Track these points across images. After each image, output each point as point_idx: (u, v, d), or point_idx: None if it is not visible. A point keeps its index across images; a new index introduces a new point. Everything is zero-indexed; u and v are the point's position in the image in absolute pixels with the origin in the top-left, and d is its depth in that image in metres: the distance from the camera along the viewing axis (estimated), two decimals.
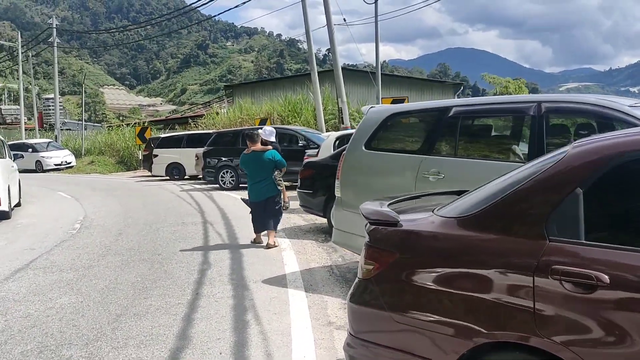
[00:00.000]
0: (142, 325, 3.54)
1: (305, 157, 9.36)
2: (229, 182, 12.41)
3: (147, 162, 16.73)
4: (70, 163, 23.07)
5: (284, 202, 5.98)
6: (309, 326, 3.41)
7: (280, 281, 4.52)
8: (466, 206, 2.04)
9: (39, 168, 22.42)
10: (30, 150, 22.94)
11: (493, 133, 4.04)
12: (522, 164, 3.49)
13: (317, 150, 9.54)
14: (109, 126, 32.29)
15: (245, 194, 6.42)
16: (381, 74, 16.39)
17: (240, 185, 11.73)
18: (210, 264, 5.25)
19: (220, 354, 3.06)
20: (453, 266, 1.92)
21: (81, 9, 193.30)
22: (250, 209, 6.05)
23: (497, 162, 3.62)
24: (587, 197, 1.73)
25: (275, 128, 12.99)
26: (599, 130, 3.53)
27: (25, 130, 32.17)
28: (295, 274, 4.75)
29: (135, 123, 26.42)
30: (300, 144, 11.85)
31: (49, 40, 26.53)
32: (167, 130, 24.75)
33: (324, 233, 6.69)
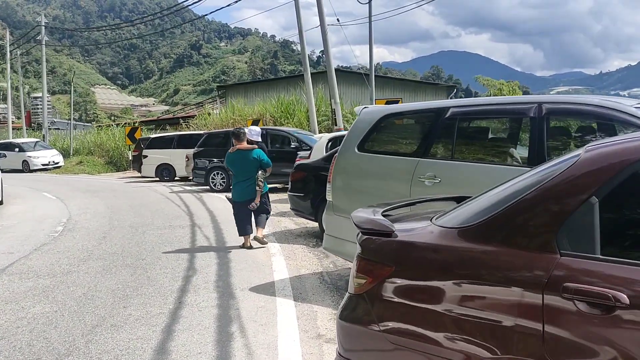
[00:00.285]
0: (119, 337, 3.31)
1: (297, 158, 9.17)
2: (220, 183, 12.17)
3: (137, 162, 16.45)
4: (57, 163, 22.67)
5: (254, 203, 5.78)
6: (297, 339, 3.21)
7: (268, 289, 4.32)
8: (468, 215, 1.86)
9: (25, 168, 21.99)
10: (17, 149, 22.50)
11: (492, 135, 3.87)
12: (525, 169, 3.35)
13: (309, 151, 9.36)
14: (98, 126, 31.80)
15: None
16: (375, 75, 16.27)
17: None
18: (196, 269, 5.03)
19: None
20: (453, 282, 1.73)
21: (73, 7, 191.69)
22: (233, 210, 5.98)
23: (497, 166, 3.45)
24: (603, 206, 1.55)
25: (267, 129, 12.89)
26: (601, 132, 3.38)
27: (13, 129, 31.62)
28: (285, 281, 4.55)
29: (125, 123, 26.01)
30: (292, 146, 11.66)
31: (38, 38, 26.08)
32: (159, 130, 24.41)
33: (316, 237, 6.49)
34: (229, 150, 5.94)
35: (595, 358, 1.46)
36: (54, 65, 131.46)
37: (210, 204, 9.87)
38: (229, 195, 6.34)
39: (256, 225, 5.89)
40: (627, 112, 2.99)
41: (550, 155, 3.25)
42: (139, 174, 16.38)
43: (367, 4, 14.00)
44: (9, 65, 28.42)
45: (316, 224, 6.61)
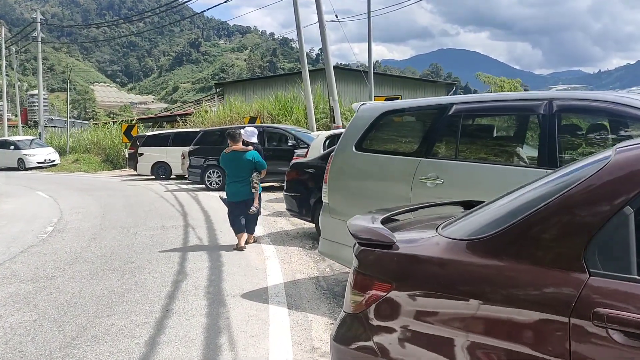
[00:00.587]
0: (99, 350, 3.09)
1: (294, 157, 8.94)
2: (216, 182, 11.94)
3: (133, 160, 16.20)
4: (53, 161, 22.41)
5: (254, 206, 5.74)
6: (290, 352, 2.99)
7: (261, 295, 4.10)
8: (478, 225, 1.64)
9: (21, 166, 21.73)
10: (12, 147, 22.24)
11: (498, 134, 3.65)
12: (535, 170, 3.13)
13: (306, 150, 9.13)
14: (95, 123, 31.53)
15: None
16: (374, 73, 16.02)
17: (225, 186, 11.27)
18: (186, 274, 4.80)
19: None
20: (462, 302, 1.51)
21: (72, 5, 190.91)
22: (227, 209, 5.90)
23: (504, 167, 3.23)
24: (639, 218, 1.33)
25: (264, 127, 12.66)
26: (615, 131, 3.16)
27: (9, 127, 31.33)
28: (279, 286, 4.33)
29: (122, 120, 25.75)
30: (289, 144, 11.43)
31: (34, 34, 25.76)
32: (156, 128, 24.16)
33: (312, 239, 6.27)
34: (224, 151, 5.92)
35: None
36: (52, 63, 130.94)
37: (205, 204, 9.64)
38: (223, 195, 6.27)
39: (247, 234, 5.86)
40: None
41: (562, 155, 3.03)
42: (135, 172, 16.16)
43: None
44: (4, 62, 28.10)
45: (313, 225, 6.39)
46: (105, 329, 3.43)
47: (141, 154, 15.34)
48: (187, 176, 13.02)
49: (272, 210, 8.74)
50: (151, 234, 6.86)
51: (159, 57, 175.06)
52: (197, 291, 4.23)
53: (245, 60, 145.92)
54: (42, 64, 28.31)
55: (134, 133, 19.08)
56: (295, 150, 9.93)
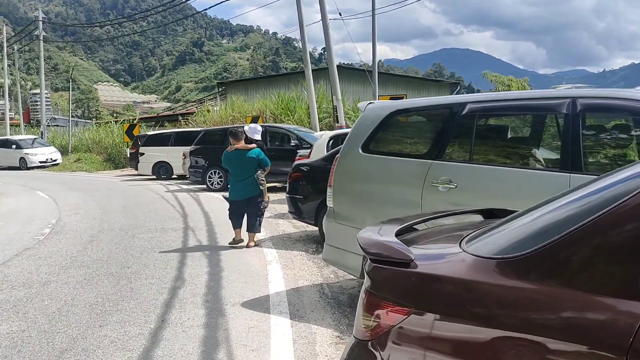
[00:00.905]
0: None
1: (297, 157, 8.74)
2: (217, 182, 11.75)
3: (134, 160, 16.04)
4: (55, 160, 22.30)
5: (265, 201, 5.75)
6: None
7: (262, 304, 3.90)
8: (509, 241, 1.43)
9: (22, 165, 21.63)
10: (14, 146, 22.15)
11: (516, 135, 3.43)
12: (557, 174, 2.92)
13: (309, 150, 8.93)
14: (97, 123, 31.42)
15: None
16: (377, 72, 15.80)
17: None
18: (184, 280, 4.61)
19: None
20: (494, 332, 1.30)
21: (75, 4, 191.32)
22: (228, 208, 5.88)
23: (523, 170, 3.01)
24: None
25: (266, 126, 12.45)
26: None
27: (11, 126, 31.26)
28: (281, 294, 4.12)
29: (123, 120, 25.61)
30: (292, 143, 11.23)
31: (35, 33, 25.65)
32: (158, 127, 24.00)
33: (316, 243, 6.06)
34: (227, 149, 5.90)
35: None
36: (56, 62, 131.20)
37: (206, 205, 9.45)
38: (226, 194, 6.16)
39: (248, 232, 5.78)
40: None
41: (586, 157, 2.81)
42: (136, 172, 16.00)
43: None
44: (5, 61, 28.02)
45: (316, 228, 6.19)
46: (97, 341, 3.24)
47: (142, 154, 15.18)
48: (187, 176, 12.84)
49: (274, 212, 8.53)
50: (150, 236, 6.67)
51: (162, 57, 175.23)
52: (195, 299, 4.03)
53: (248, 60, 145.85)
54: (46, 63, 28.23)
55: (135, 132, 18.93)
56: (298, 151, 9.74)
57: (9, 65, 33.48)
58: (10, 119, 32.78)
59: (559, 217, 1.36)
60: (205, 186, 11.90)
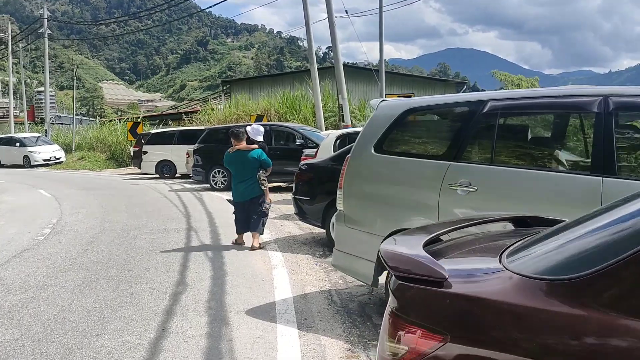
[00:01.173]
0: None
1: (302, 157, 8.55)
2: (221, 182, 11.57)
3: (137, 159, 15.91)
4: (59, 159, 22.21)
5: (267, 202, 5.65)
6: None
7: (268, 312, 3.70)
8: (562, 257, 1.22)
9: (26, 163, 21.56)
10: (18, 144, 22.07)
11: (541, 134, 3.22)
12: (585, 177, 2.70)
13: (315, 149, 8.74)
14: (102, 121, 31.35)
15: None
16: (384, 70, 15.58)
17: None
18: (186, 284, 4.42)
19: None
20: None
21: (81, 3, 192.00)
22: (234, 210, 5.80)
23: (551, 173, 2.80)
24: None
25: (271, 125, 12.26)
26: None
27: (16, 124, 31.24)
28: (287, 301, 3.93)
29: (127, 118, 25.51)
30: (297, 143, 11.04)
31: (40, 31, 25.59)
32: (162, 126, 23.88)
33: (323, 246, 5.87)
34: (228, 150, 5.79)
35: None
36: (62, 60, 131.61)
37: (210, 205, 9.27)
38: (230, 197, 6.02)
39: (251, 232, 5.68)
40: None
41: (620, 160, 2.60)
42: (140, 171, 15.87)
43: None
44: (10, 58, 27.99)
45: (323, 230, 6.00)
46: (93, 352, 3.05)
47: (146, 152, 15.03)
48: (191, 175, 12.68)
49: (280, 212, 8.34)
50: (152, 237, 6.50)
51: (167, 55, 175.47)
52: (198, 306, 3.85)
53: (252, 59, 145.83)
54: (52, 61, 28.21)
55: (139, 131, 18.81)
56: (303, 150, 9.54)
57: (15, 64, 33.45)
58: (15, 116, 32.76)
59: (626, 233, 1.16)
60: (208, 186, 11.73)
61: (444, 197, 3.08)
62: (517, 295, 1.20)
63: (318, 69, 14.99)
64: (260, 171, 5.62)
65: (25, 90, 35.96)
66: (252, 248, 5.57)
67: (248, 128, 6.01)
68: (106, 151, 22.75)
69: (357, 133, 7.80)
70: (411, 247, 1.47)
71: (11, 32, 30.90)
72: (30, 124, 31.95)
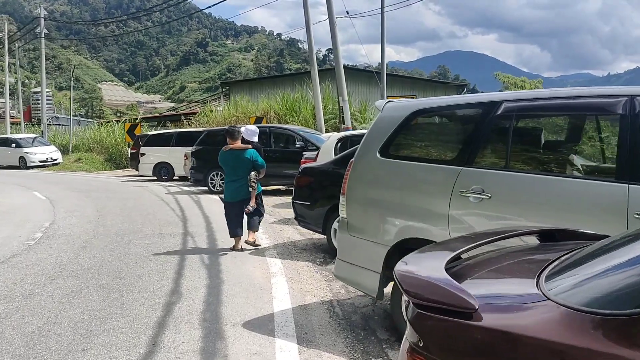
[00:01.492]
0: None
1: (302, 160, 8.34)
2: (219, 184, 11.35)
3: (135, 160, 15.68)
4: (56, 160, 21.98)
5: (250, 205, 5.59)
6: None
7: (266, 325, 3.49)
8: (617, 285, 1.02)
9: (22, 164, 21.32)
10: (14, 145, 21.84)
11: (560, 138, 3.02)
12: (607, 183, 2.51)
13: (315, 152, 8.53)
14: (99, 122, 31.12)
15: None
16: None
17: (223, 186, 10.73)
18: (180, 294, 4.21)
19: None
20: None
21: (80, 4, 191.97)
22: (224, 209, 5.79)
23: (571, 180, 2.60)
24: None
25: (270, 127, 12.06)
26: None
27: (12, 124, 30.99)
28: (286, 313, 3.72)
29: (125, 119, 25.29)
30: (297, 145, 10.84)
31: (36, 31, 25.37)
32: (160, 127, 23.66)
33: (323, 252, 5.66)
34: (223, 149, 5.78)
35: None
36: (61, 61, 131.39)
37: (207, 208, 9.06)
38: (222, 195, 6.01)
39: (248, 229, 5.72)
40: None
41: None
42: (137, 173, 15.65)
43: None
44: (7, 58, 27.76)
45: (324, 236, 5.79)
46: None
47: (143, 154, 14.82)
48: (189, 178, 12.48)
49: (279, 217, 8.14)
50: (147, 242, 6.28)
51: (167, 57, 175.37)
52: (192, 318, 3.63)
53: (252, 61, 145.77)
54: (50, 62, 28.03)
55: (137, 132, 18.60)
56: (303, 153, 9.34)
57: (12, 64, 33.26)
58: (12, 117, 32.53)
59: None
60: (206, 188, 11.52)
61: (455, 204, 2.88)
62: (564, 331, 1.00)
63: (318, 70, 14.80)
64: (252, 173, 5.58)
65: (23, 90, 35.74)
66: (247, 242, 5.65)
67: (242, 129, 5.90)
68: (104, 153, 22.52)
69: (358, 136, 7.63)
70: (432, 269, 1.26)
71: (8, 32, 30.70)
72: (26, 124, 31.71)
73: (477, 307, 1.09)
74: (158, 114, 39.10)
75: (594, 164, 2.88)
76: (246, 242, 5.67)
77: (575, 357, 0.96)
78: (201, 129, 14.83)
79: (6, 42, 26.79)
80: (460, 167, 2.91)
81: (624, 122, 2.46)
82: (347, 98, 13.51)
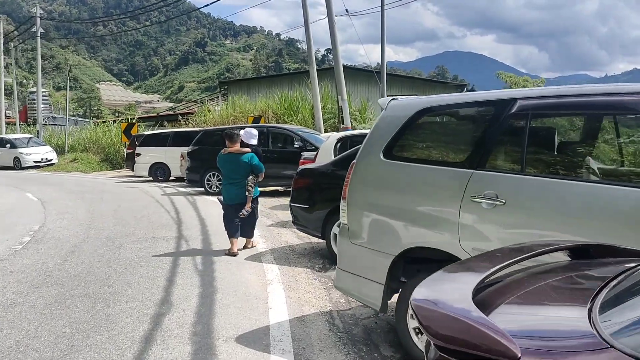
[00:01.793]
0: None
1: (301, 160, 8.11)
2: (216, 185, 11.12)
3: (130, 161, 15.44)
4: (51, 160, 21.70)
5: (245, 209, 5.48)
6: None
7: (261, 339, 3.25)
8: None
9: (17, 165, 21.04)
10: (8, 145, 21.55)
11: (580, 139, 2.79)
12: (630, 189, 2.27)
13: (314, 152, 8.30)
14: (95, 122, 30.84)
15: None
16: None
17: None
18: (171, 304, 3.97)
19: None
20: None
21: (79, 3, 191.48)
22: (222, 211, 5.72)
23: (594, 185, 2.37)
24: None
25: (268, 127, 11.82)
26: None
27: (8, 124, 30.67)
28: (283, 326, 3.48)
29: (122, 119, 25.03)
30: (295, 145, 10.61)
31: (32, 30, 25.09)
32: (157, 127, 23.40)
33: (322, 257, 5.43)
34: (221, 151, 5.68)
35: None
36: (59, 61, 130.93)
37: (203, 210, 8.82)
38: (221, 197, 5.83)
39: (242, 236, 5.72)
40: None
41: None
42: (133, 173, 15.40)
43: None
44: (2, 58, 27.46)
45: (323, 241, 5.56)
46: None
47: (139, 154, 14.56)
48: (185, 178, 12.23)
49: (276, 219, 7.90)
50: (138, 247, 6.04)
51: (165, 56, 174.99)
52: (182, 331, 3.39)
53: (250, 60, 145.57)
54: (49, 62, 27.75)
55: (133, 132, 18.34)
56: (302, 153, 9.11)
57: (9, 64, 32.93)
58: (8, 117, 32.23)
59: None
60: (203, 189, 11.28)
61: (466, 210, 2.64)
62: None
63: (317, 70, 14.57)
64: (250, 176, 5.52)
65: (22, 91, 35.45)
66: (245, 247, 5.71)
67: (241, 132, 5.71)
68: (100, 153, 22.27)
69: (359, 136, 7.39)
70: (457, 300, 1.03)
71: (5, 31, 30.37)
72: (22, 124, 31.40)
73: (519, 355, 0.85)
74: (155, 114, 38.83)
75: (621, 168, 2.65)
76: (244, 247, 5.74)
77: None
78: (198, 129, 14.59)
79: (1, 41, 26.49)
80: (472, 170, 2.67)
81: None
82: (346, 97, 13.29)
